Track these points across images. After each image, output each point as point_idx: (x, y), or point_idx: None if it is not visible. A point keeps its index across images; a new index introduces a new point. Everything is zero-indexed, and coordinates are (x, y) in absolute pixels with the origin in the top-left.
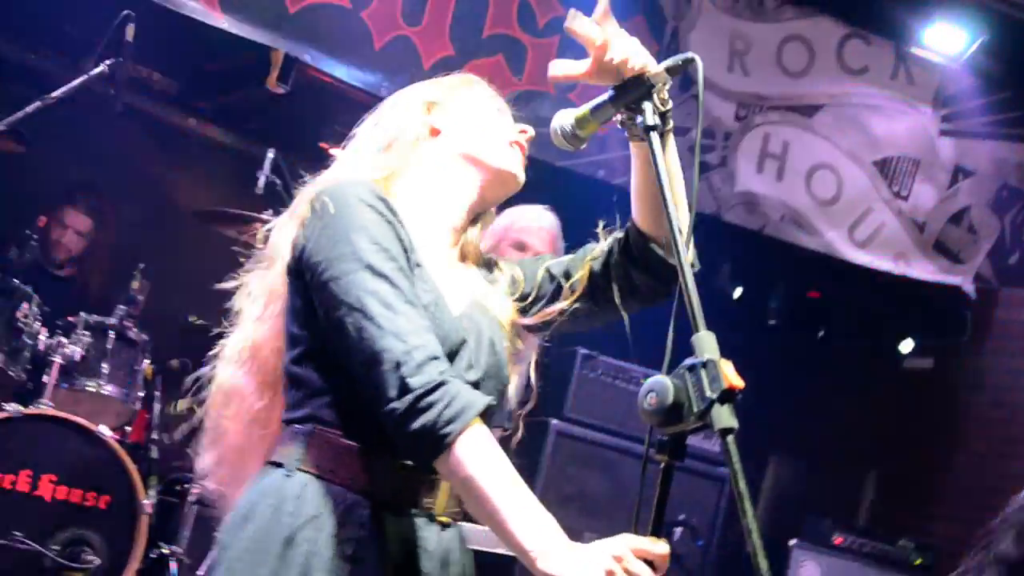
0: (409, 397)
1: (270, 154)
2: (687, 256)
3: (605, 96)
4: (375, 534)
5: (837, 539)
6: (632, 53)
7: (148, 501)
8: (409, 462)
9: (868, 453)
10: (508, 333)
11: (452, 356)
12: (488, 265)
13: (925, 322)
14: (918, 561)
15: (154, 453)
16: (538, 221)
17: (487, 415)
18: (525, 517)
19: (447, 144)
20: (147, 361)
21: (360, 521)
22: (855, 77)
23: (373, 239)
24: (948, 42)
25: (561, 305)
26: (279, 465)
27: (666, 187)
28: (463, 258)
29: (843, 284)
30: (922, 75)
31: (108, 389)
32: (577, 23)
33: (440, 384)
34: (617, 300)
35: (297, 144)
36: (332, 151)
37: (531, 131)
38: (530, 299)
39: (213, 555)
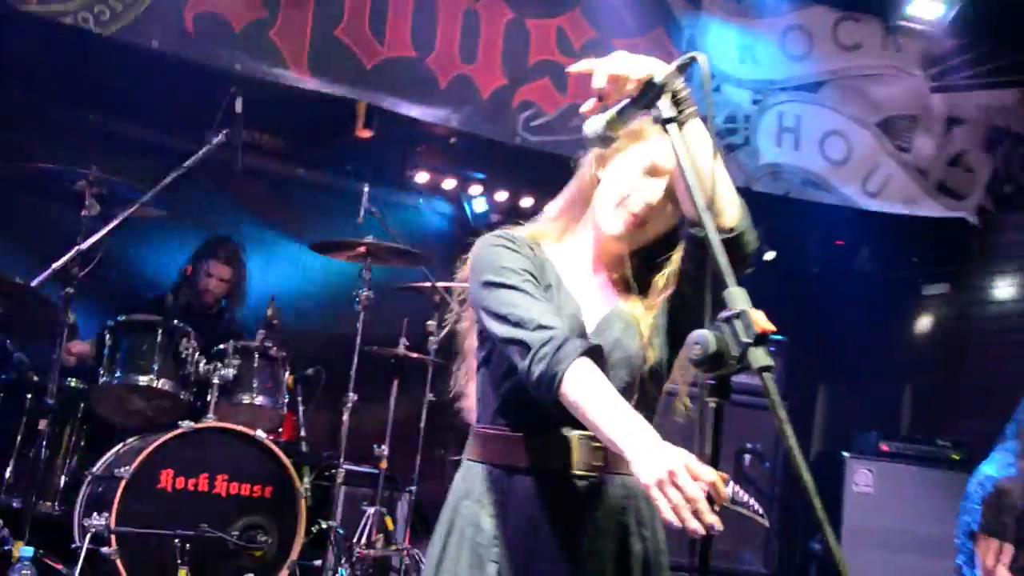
0: (530, 355)
1: (365, 188)
2: (711, 223)
3: (626, 100)
4: (511, 495)
5: (884, 447)
6: (629, 70)
7: (304, 487)
8: (543, 435)
9: (902, 370)
10: (646, 339)
11: None
12: (644, 292)
13: (937, 252)
14: (955, 456)
15: (304, 447)
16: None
17: (596, 357)
18: (621, 425)
19: (599, 198)
20: (288, 373)
21: (500, 487)
22: (850, 53)
23: (495, 264)
24: (929, 11)
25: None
26: (471, 460)
27: (686, 167)
28: (614, 286)
29: (863, 230)
30: (909, 43)
31: (260, 400)
32: (574, 68)
33: (551, 338)
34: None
35: (386, 177)
36: None
37: (649, 201)
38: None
39: None
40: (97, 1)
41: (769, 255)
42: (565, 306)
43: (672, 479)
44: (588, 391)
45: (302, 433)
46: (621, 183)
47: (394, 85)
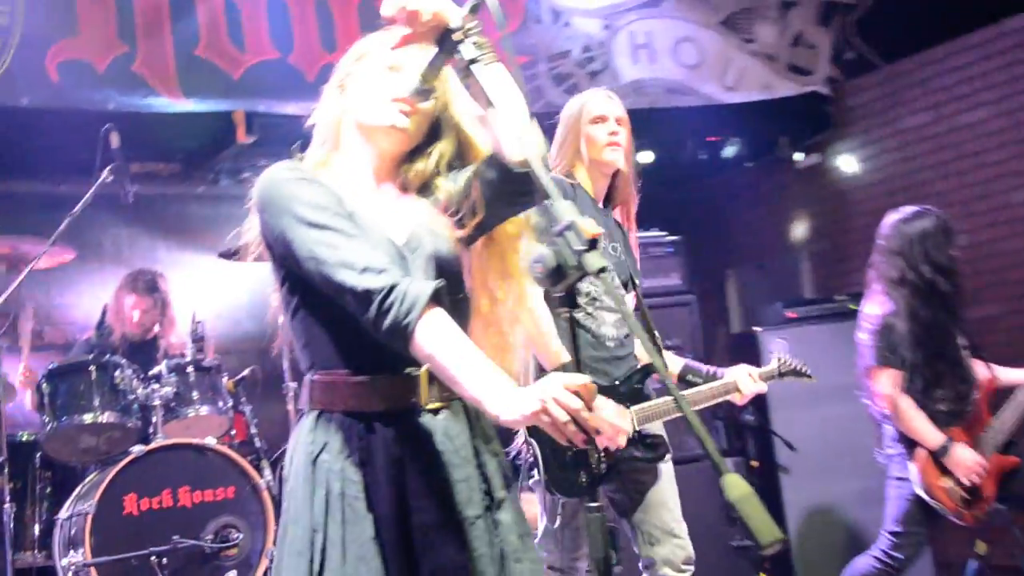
0: (373, 305)
1: None
2: (535, 149)
3: (433, 52)
4: (373, 441)
5: (789, 314)
6: (420, 5)
7: (264, 480)
8: (389, 373)
9: (796, 241)
10: (452, 241)
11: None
12: (429, 189)
13: (802, 127)
14: (852, 307)
15: (258, 442)
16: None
17: (439, 299)
18: (477, 376)
19: (350, 116)
20: (225, 378)
21: (359, 435)
22: None
23: (303, 200)
24: None
25: (475, 221)
26: (302, 410)
27: (501, 102)
28: (404, 190)
29: (730, 121)
30: None
31: (204, 410)
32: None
33: (393, 286)
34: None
35: None
36: None
37: (409, 82)
38: (460, 214)
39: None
40: None
41: (647, 156)
42: (373, 234)
43: (543, 408)
44: (441, 343)
45: (253, 430)
46: (377, 83)
47: (264, 88)
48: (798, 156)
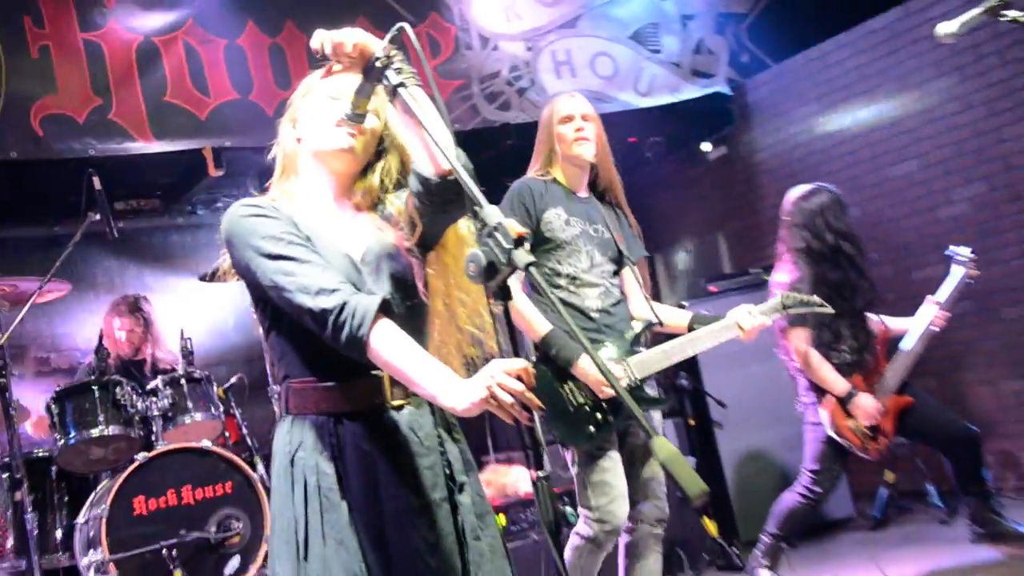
0: (328, 323)
1: None
2: (456, 160)
3: (361, 81)
4: (343, 437)
5: (711, 288)
6: (343, 37)
7: (258, 474)
8: (354, 378)
9: (714, 224)
10: (402, 253)
11: (353, 285)
12: (380, 204)
13: (710, 123)
14: (766, 278)
15: (251, 442)
16: (562, 107)
17: (389, 309)
18: (427, 375)
19: (305, 146)
20: (215, 387)
21: (329, 432)
22: None
23: (260, 234)
24: None
25: (417, 232)
26: (280, 415)
27: (424, 120)
28: (358, 209)
29: (646, 122)
30: None
31: (199, 416)
32: (313, 41)
33: (344, 304)
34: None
35: None
36: None
37: (345, 107)
38: (408, 228)
39: None
40: None
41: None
42: (330, 253)
43: (490, 393)
44: (392, 350)
45: (244, 431)
46: (322, 113)
47: (228, 126)
48: (708, 148)
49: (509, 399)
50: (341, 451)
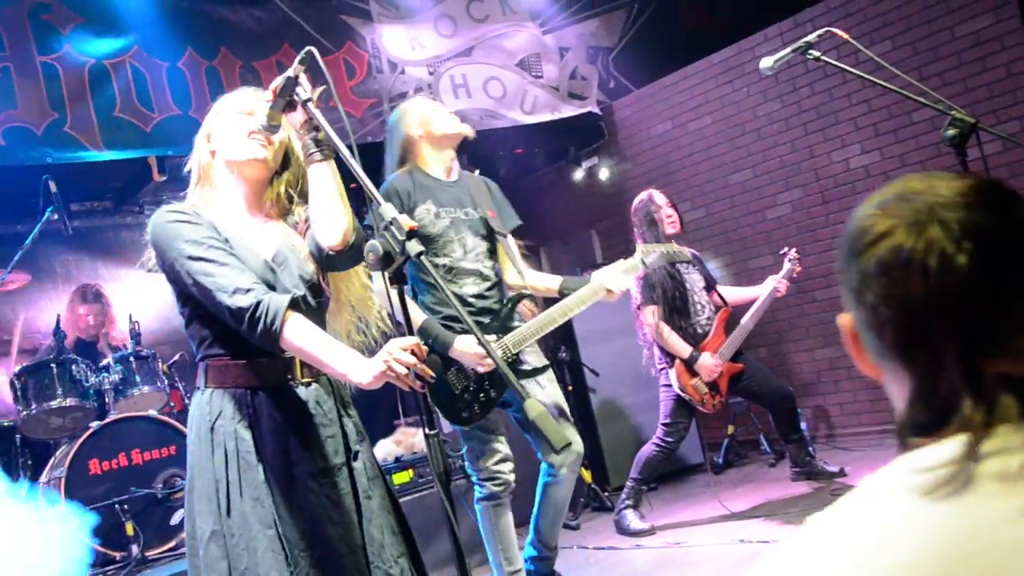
0: (244, 319)
1: None
2: (357, 164)
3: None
4: (259, 408)
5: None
6: (276, 82)
7: None
8: (268, 357)
9: (586, 222)
10: (308, 255)
11: (268, 284)
12: (288, 213)
13: (584, 138)
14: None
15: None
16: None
17: (298, 306)
18: (337, 358)
19: (219, 158)
20: (161, 363)
21: (247, 403)
22: (483, 23)
23: (184, 238)
24: None
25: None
26: (198, 388)
27: (327, 130)
28: (268, 218)
29: (531, 137)
30: (517, 5)
31: (145, 389)
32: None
33: (258, 303)
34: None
35: None
36: None
37: (260, 119)
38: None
39: None
40: None
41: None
42: (247, 255)
43: (388, 367)
44: (302, 340)
45: (187, 402)
46: (236, 127)
47: (170, 137)
48: (582, 159)
49: (403, 370)
50: (257, 420)
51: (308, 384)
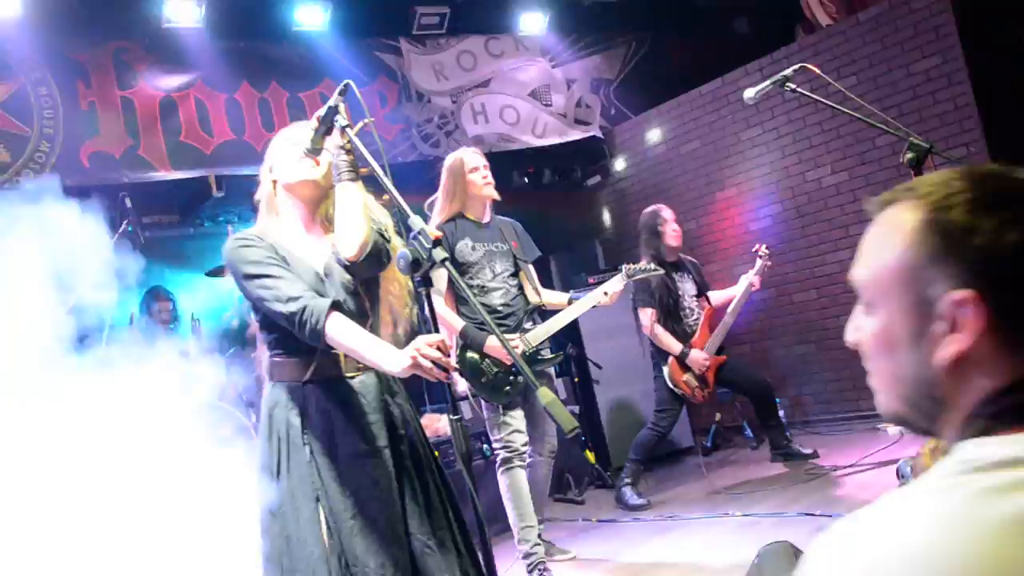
0: (295, 322)
1: (230, 228)
2: (390, 182)
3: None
4: (308, 398)
5: (591, 280)
6: (321, 111)
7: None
8: (318, 354)
9: (591, 234)
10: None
11: (319, 292)
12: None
13: (588, 159)
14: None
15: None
16: (470, 161)
17: (340, 308)
18: (372, 350)
19: (279, 186)
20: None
21: (299, 394)
22: (499, 58)
23: (246, 260)
24: (533, 25)
25: None
26: (268, 381)
27: (363, 152)
28: (323, 233)
29: (542, 157)
30: (531, 43)
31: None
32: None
33: (304, 307)
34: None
35: (244, 218)
36: None
37: (305, 144)
38: None
39: None
40: (25, 166)
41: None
42: (300, 267)
43: (415, 360)
44: (342, 335)
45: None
46: (289, 155)
47: (227, 159)
48: (586, 177)
49: (428, 363)
50: (306, 408)
51: (353, 376)
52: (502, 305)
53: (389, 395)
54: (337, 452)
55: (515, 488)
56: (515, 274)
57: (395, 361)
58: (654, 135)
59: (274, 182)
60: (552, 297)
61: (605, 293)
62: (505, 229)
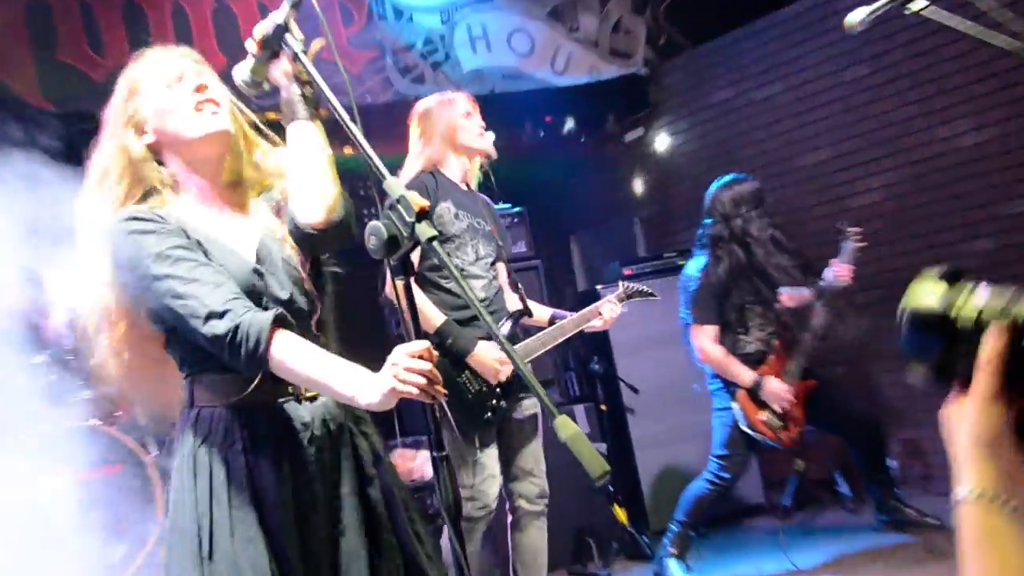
0: (225, 350)
1: None
2: (357, 130)
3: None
4: (255, 429)
5: (626, 272)
6: (256, 29)
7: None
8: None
9: (627, 207)
10: (294, 246)
11: (256, 290)
12: (267, 197)
13: (626, 105)
14: (681, 263)
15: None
16: (461, 104)
17: (284, 321)
18: (338, 378)
19: (163, 147)
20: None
21: (241, 424)
22: None
23: (147, 254)
24: None
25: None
26: (183, 409)
27: (321, 87)
28: (242, 208)
29: (563, 103)
30: None
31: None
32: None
33: (236, 327)
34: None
35: None
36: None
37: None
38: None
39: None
40: None
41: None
42: (225, 258)
43: (400, 381)
44: (293, 360)
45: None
46: (168, 102)
47: None
48: (624, 131)
49: (421, 380)
50: (253, 443)
51: (313, 399)
52: (482, 301)
53: (354, 423)
54: (293, 503)
55: (483, 569)
56: (494, 264)
57: (371, 390)
58: (718, 74)
59: (149, 144)
60: (533, 308)
61: (600, 314)
62: (486, 206)
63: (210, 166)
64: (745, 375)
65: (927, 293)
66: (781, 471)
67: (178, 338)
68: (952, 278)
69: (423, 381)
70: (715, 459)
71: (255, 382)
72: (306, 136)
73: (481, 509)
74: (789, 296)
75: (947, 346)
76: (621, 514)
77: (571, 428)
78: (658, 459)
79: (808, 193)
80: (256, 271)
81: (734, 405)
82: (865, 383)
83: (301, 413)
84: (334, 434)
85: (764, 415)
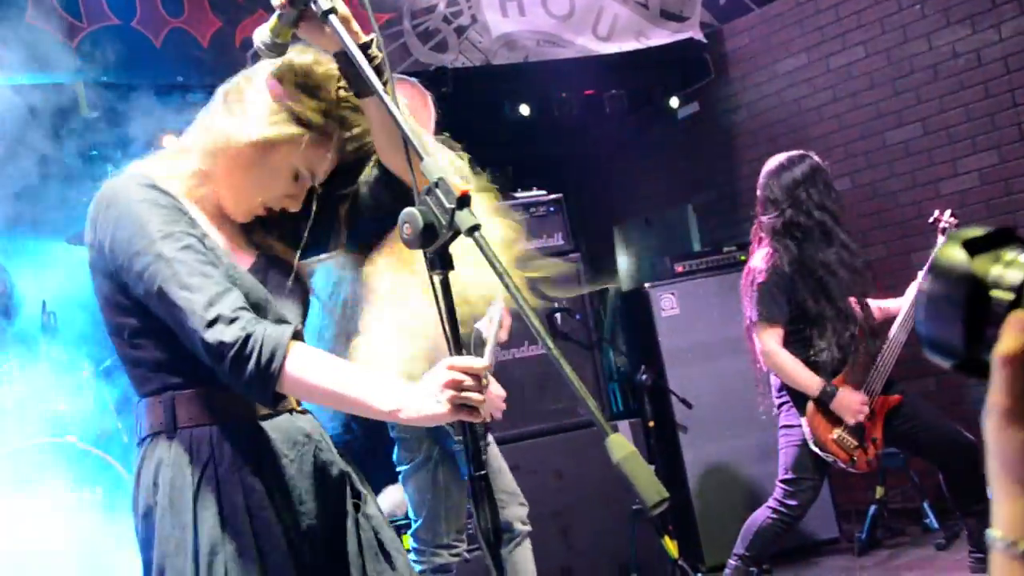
0: (228, 359)
1: (110, 169)
2: (392, 103)
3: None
4: (261, 445)
5: (679, 268)
6: None
7: None
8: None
9: (681, 193)
10: (290, 258)
11: (260, 305)
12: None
13: (680, 75)
14: (742, 258)
15: None
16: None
17: (300, 336)
18: (370, 391)
19: (222, 172)
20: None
21: (248, 439)
22: None
23: (159, 228)
24: None
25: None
26: (154, 434)
27: (354, 54)
28: (244, 244)
29: (607, 73)
30: None
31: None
32: None
33: (248, 336)
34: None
35: (134, 152)
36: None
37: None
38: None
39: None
40: None
41: (524, 111)
42: (239, 275)
43: (457, 401)
44: (322, 374)
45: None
46: (272, 181)
47: (107, 56)
48: (677, 105)
49: (480, 397)
50: (261, 460)
51: (305, 411)
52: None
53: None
54: (297, 523)
55: None
56: None
57: (417, 404)
58: (790, 38)
59: (254, 143)
60: None
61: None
62: None
63: (241, 172)
64: (814, 383)
65: (955, 260)
66: (858, 499)
67: (159, 337)
68: (992, 242)
69: (482, 398)
70: (781, 485)
71: (224, 398)
72: (398, 108)
73: (455, 556)
74: (879, 308)
75: (973, 330)
76: (672, 547)
77: (626, 448)
78: (714, 484)
79: (893, 176)
80: (266, 299)
81: (803, 421)
82: (959, 397)
83: (281, 428)
84: (331, 448)
85: (836, 433)
